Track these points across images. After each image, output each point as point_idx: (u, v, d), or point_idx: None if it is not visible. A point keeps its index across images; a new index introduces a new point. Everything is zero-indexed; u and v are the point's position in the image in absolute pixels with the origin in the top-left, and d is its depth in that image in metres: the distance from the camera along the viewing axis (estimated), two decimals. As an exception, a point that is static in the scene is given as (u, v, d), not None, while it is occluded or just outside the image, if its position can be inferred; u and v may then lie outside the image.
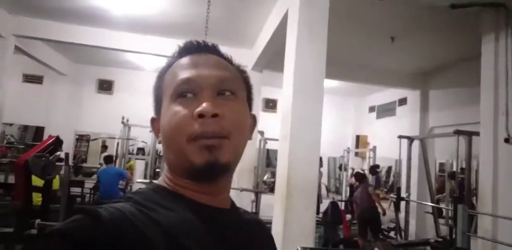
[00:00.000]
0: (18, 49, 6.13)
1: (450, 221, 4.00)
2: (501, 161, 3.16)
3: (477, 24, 3.65)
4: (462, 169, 4.86)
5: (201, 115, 0.54)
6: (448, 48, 5.34)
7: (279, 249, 2.75)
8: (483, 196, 3.29)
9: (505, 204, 3.09)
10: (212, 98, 0.56)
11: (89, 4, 4.92)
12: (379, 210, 5.72)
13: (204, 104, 0.55)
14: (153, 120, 0.64)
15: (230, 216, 0.61)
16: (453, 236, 3.22)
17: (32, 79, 8.42)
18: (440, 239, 3.60)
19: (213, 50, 0.64)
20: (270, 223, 3.51)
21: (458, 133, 4.27)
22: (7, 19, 5.56)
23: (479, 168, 3.46)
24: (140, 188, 0.60)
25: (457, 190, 4.87)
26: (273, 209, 3.24)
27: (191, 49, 0.63)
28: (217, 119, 0.55)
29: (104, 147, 8.78)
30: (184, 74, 0.59)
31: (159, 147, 5.15)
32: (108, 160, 6.41)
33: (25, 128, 8.58)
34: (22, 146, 7.69)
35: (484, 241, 3.19)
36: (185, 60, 0.62)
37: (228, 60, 0.66)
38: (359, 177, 6.11)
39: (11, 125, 8.27)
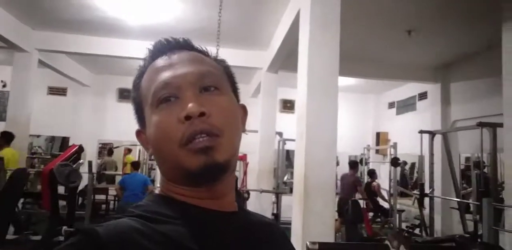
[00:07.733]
0: (42, 62, 6.36)
1: (478, 216, 3.87)
2: (527, 152, 3.05)
3: (498, 12, 3.54)
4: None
5: (188, 117, 0.51)
6: (468, 38, 5.18)
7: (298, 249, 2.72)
8: (509, 188, 3.18)
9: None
10: (196, 97, 0.53)
11: (105, 15, 5.06)
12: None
13: (188, 105, 0.51)
14: (138, 133, 0.61)
15: (239, 220, 0.58)
16: (479, 231, 3.12)
17: (57, 91, 8.72)
18: (467, 235, 3.50)
19: (186, 45, 0.61)
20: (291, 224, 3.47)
21: (481, 125, 4.14)
22: (31, 34, 5.81)
23: (504, 159, 3.35)
24: (140, 201, 0.57)
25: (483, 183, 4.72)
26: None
27: (162, 49, 0.59)
28: (204, 118, 0.51)
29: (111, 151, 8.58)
30: (160, 78, 0.55)
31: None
32: (136, 166, 6.49)
33: (52, 139, 8.87)
34: (49, 156, 7.94)
35: (513, 235, 3.09)
36: (157, 62, 0.58)
37: (203, 53, 0.62)
38: (352, 164, 6.75)
39: (38, 136, 8.57)
